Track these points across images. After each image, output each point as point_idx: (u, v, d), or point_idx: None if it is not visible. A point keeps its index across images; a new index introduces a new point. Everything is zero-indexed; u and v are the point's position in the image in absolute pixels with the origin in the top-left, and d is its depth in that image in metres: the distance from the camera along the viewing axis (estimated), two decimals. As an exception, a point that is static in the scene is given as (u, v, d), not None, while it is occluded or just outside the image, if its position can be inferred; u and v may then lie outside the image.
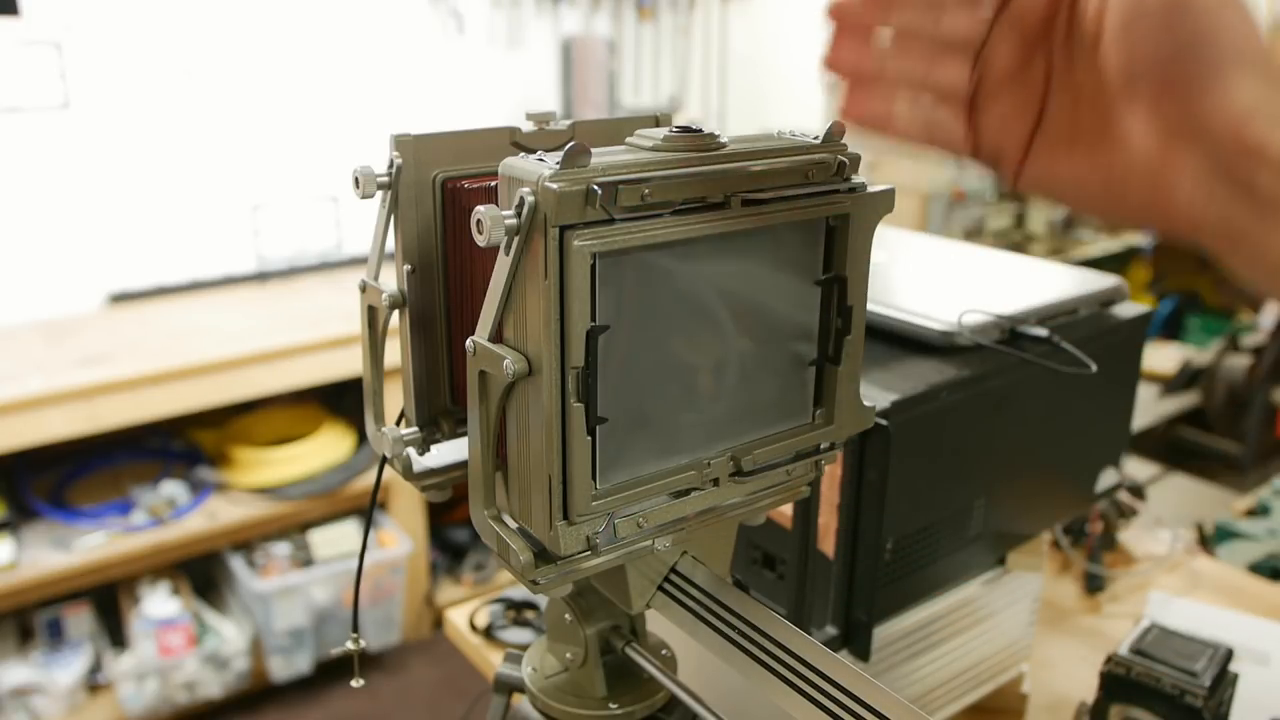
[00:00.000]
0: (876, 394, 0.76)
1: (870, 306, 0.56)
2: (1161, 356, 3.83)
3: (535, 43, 3.21)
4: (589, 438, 0.47)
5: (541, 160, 0.45)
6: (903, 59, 0.46)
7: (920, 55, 0.46)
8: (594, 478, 0.48)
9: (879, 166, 3.35)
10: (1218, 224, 0.39)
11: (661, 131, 0.49)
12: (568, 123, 0.61)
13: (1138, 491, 1.38)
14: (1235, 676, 0.88)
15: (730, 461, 0.53)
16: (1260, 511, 1.68)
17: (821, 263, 0.54)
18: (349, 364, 2.37)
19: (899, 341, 0.85)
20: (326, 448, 2.54)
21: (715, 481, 0.53)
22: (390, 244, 0.59)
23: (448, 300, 0.60)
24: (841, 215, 0.53)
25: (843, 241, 0.53)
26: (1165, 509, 1.43)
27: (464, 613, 1.20)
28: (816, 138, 0.52)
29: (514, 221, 0.44)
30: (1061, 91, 0.44)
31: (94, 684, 2.30)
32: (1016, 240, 3.55)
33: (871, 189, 0.54)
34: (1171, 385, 3.74)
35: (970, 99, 0.46)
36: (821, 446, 0.57)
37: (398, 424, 0.62)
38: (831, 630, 0.82)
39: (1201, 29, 0.38)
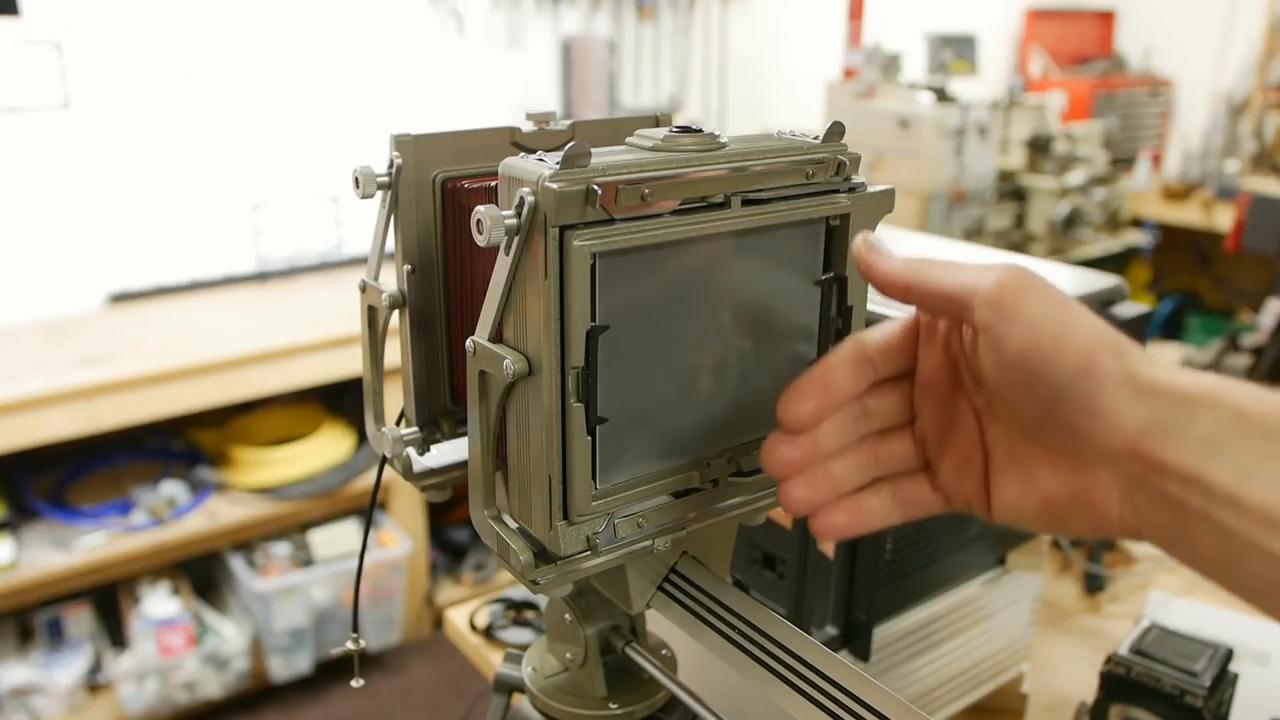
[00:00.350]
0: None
1: (870, 306, 0.56)
2: (1161, 356, 3.83)
3: (535, 43, 3.21)
4: (589, 438, 0.47)
5: (541, 160, 0.45)
6: (847, 455, 0.49)
7: (860, 446, 0.49)
8: (594, 478, 0.48)
9: (879, 166, 3.35)
10: (1153, 530, 0.42)
11: (661, 131, 0.49)
12: (568, 123, 0.61)
13: (1138, 491, 1.38)
14: (1235, 676, 0.88)
15: (730, 461, 0.53)
16: (1260, 511, 1.68)
17: (821, 263, 0.54)
18: (349, 364, 2.37)
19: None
20: (326, 448, 2.54)
21: (715, 481, 0.53)
22: (390, 244, 0.59)
23: (448, 300, 0.60)
24: (841, 215, 0.53)
25: (843, 241, 0.53)
26: (1165, 509, 1.43)
27: (464, 613, 1.20)
28: (816, 138, 0.52)
29: (514, 221, 0.44)
30: (992, 429, 0.47)
31: (94, 684, 2.30)
32: (1016, 240, 3.55)
33: (871, 189, 0.54)
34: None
35: (924, 466, 0.49)
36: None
37: (398, 424, 0.62)
38: (831, 630, 0.82)
39: (1060, 372, 0.41)
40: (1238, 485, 0.38)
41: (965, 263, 0.45)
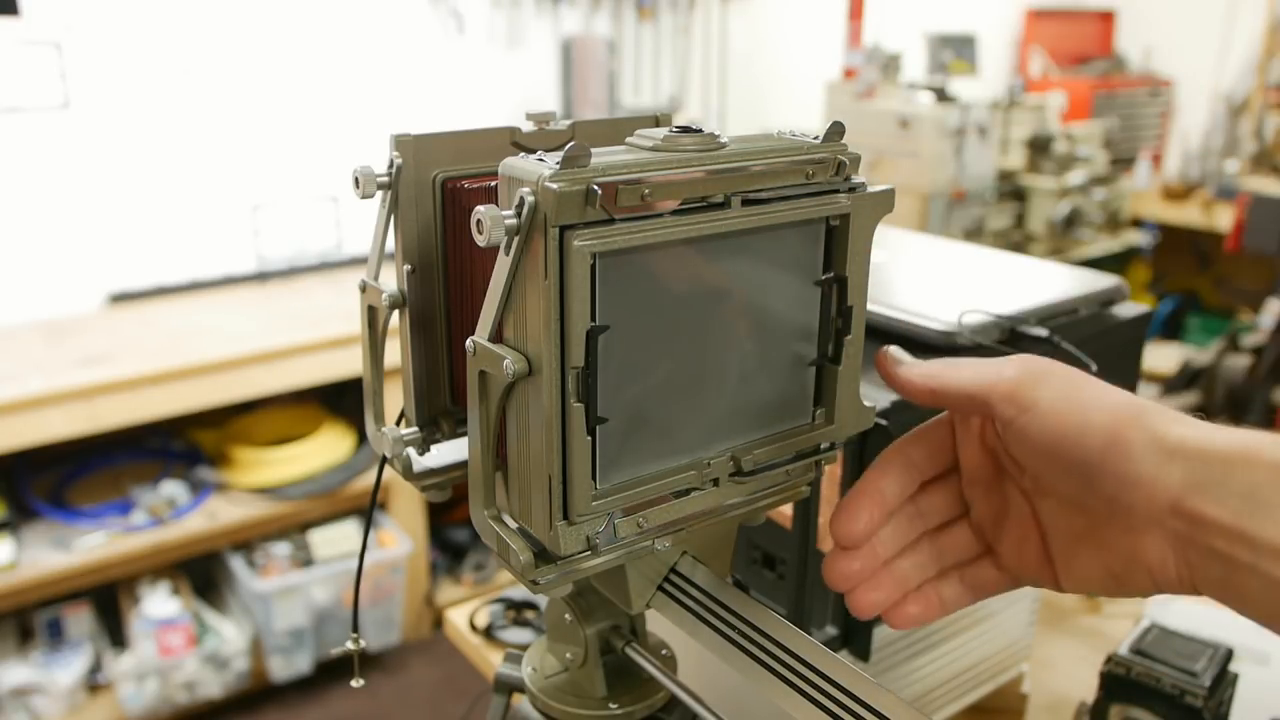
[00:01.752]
0: (876, 394, 0.76)
1: (870, 306, 0.56)
2: (1161, 356, 3.83)
3: (535, 43, 3.21)
4: (589, 438, 0.47)
5: (541, 160, 0.45)
6: (908, 555, 0.50)
7: (920, 544, 0.51)
8: (594, 478, 0.48)
9: (879, 166, 3.35)
10: (1208, 584, 0.42)
11: (661, 131, 0.49)
12: (568, 123, 0.61)
13: (1138, 491, 1.38)
14: (1235, 676, 0.88)
15: (730, 461, 0.53)
16: (1260, 511, 1.68)
17: (821, 263, 0.54)
18: (349, 364, 2.37)
19: (899, 341, 0.85)
20: (326, 448, 2.54)
21: (715, 481, 0.53)
22: (390, 244, 0.59)
23: (448, 300, 0.60)
24: (841, 215, 0.53)
25: (843, 241, 0.53)
26: (1165, 509, 1.43)
27: (464, 613, 1.20)
28: (816, 138, 0.52)
29: (514, 221, 0.44)
30: (1045, 506, 0.48)
31: (94, 684, 2.30)
32: (1016, 240, 3.55)
33: (871, 189, 0.54)
34: (1171, 385, 3.74)
35: (987, 550, 0.51)
36: (822, 446, 0.57)
37: (398, 424, 0.62)
38: (831, 630, 0.82)
39: (1093, 449, 0.42)
40: None
41: (983, 361, 0.47)
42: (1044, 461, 0.44)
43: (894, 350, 0.51)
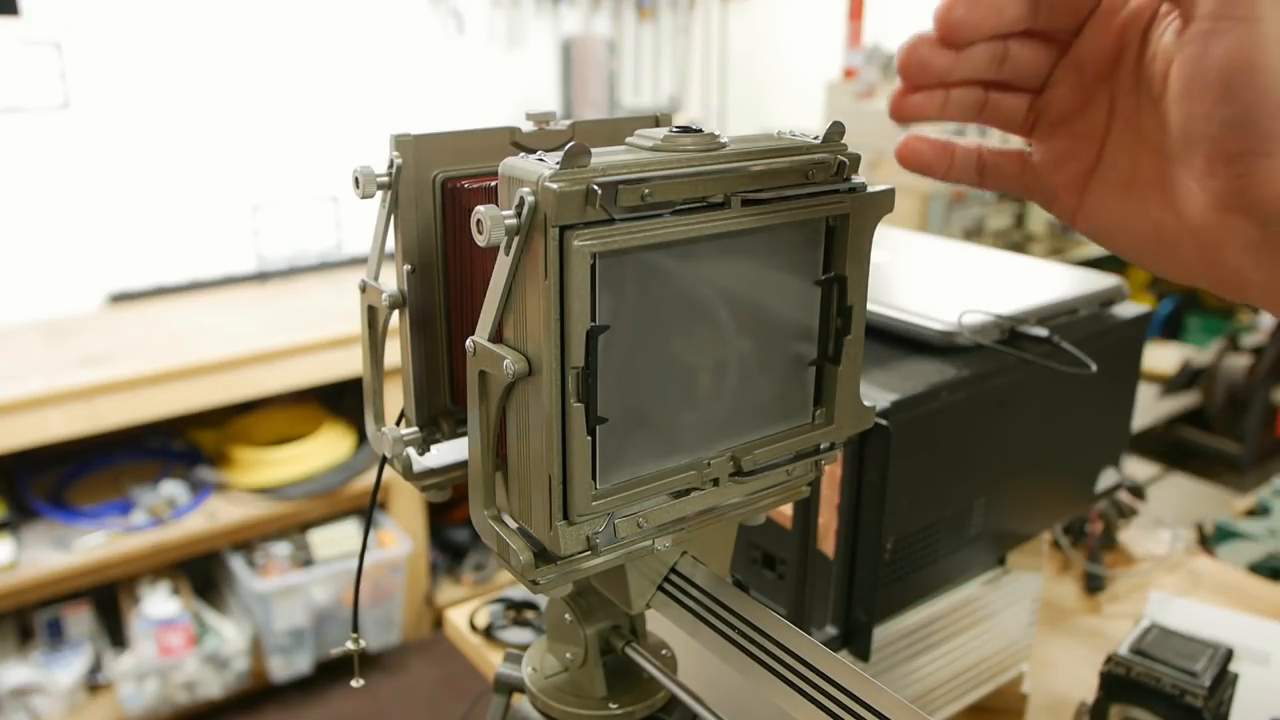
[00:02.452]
0: (876, 394, 0.76)
1: (870, 306, 0.56)
2: (1161, 356, 3.83)
3: (535, 43, 3.21)
4: (589, 438, 0.47)
5: (541, 160, 0.45)
6: (966, 91, 0.45)
7: (977, 89, 0.45)
8: (594, 478, 0.48)
9: (879, 166, 3.35)
10: (1266, 289, 0.39)
11: (661, 131, 0.49)
12: (568, 123, 0.61)
13: (1138, 491, 1.38)
14: (1235, 676, 0.88)
15: (730, 461, 0.53)
16: (1260, 511, 1.68)
17: (821, 263, 0.54)
18: (349, 364, 2.37)
19: (899, 341, 0.85)
20: (326, 448, 2.54)
21: (715, 481, 0.53)
22: (390, 244, 0.59)
23: (448, 300, 0.60)
24: (841, 215, 0.53)
25: (842, 241, 0.53)
26: (1165, 509, 1.43)
27: (464, 613, 1.20)
28: (816, 138, 0.52)
29: (514, 221, 0.44)
30: (1122, 136, 0.43)
31: (94, 684, 2.30)
32: (1016, 240, 3.55)
33: (871, 189, 0.54)
34: (1171, 385, 3.74)
35: (1026, 133, 0.46)
36: (821, 446, 0.57)
37: (398, 424, 0.62)
38: (831, 630, 0.82)
39: (1261, 99, 0.36)
40: None
41: None
42: (1194, 87, 0.37)
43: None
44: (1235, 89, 0.36)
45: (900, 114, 0.45)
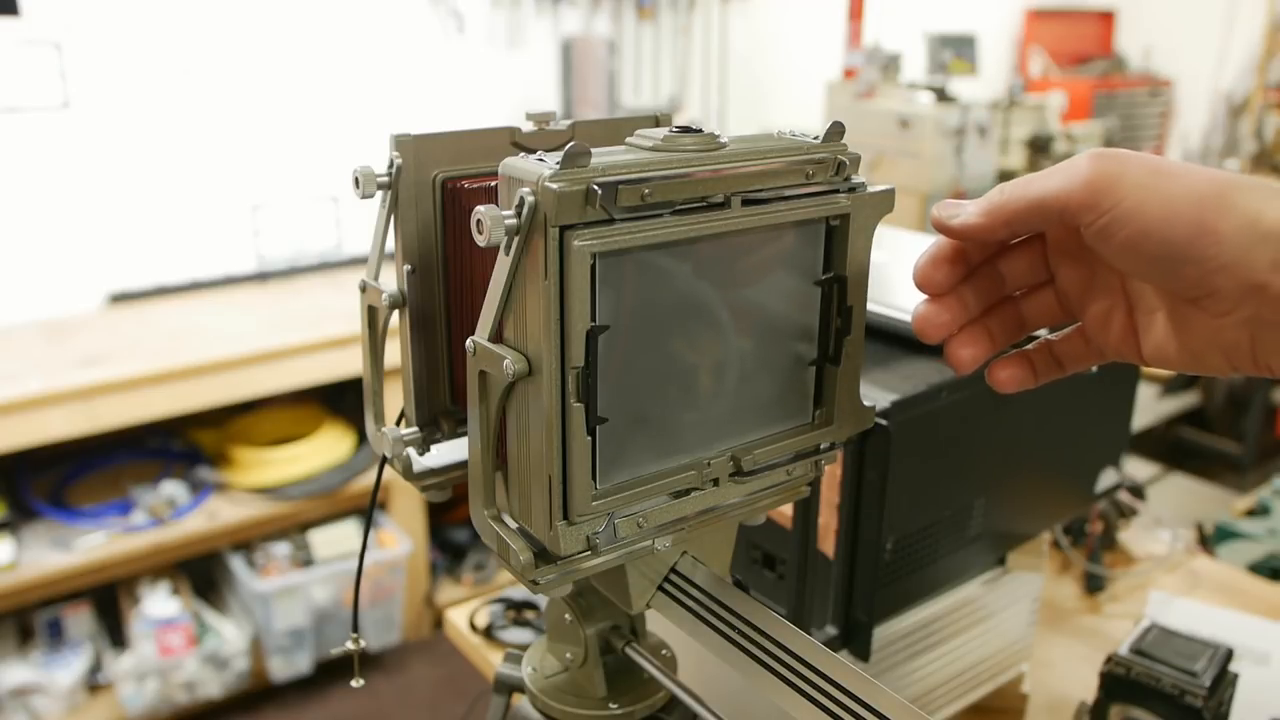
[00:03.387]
0: (876, 394, 0.76)
1: (870, 306, 0.56)
2: None
3: (535, 43, 3.21)
4: (589, 438, 0.47)
5: (541, 160, 0.45)
6: (995, 315, 0.51)
7: (1006, 306, 0.51)
8: (594, 478, 0.48)
9: (879, 166, 3.35)
10: None
11: (661, 131, 0.49)
12: (568, 123, 0.61)
13: (1138, 491, 1.38)
14: (1235, 676, 0.88)
15: (730, 461, 0.53)
16: (1260, 511, 1.68)
17: (822, 263, 0.54)
18: (349, 364, 2.37)
19: (899, 341, 0.85)
20: (326, 448, 2.54)
21: (715, 482, 0.53)
22: (390, 244, 0.59)
23: (448, 300, 0.60)
24: (841, 215, 0.53)
25: (842, 241, 0.53)
26: (1165, 509, 1.43)
27: (464, 613, 1.20)
28: (816, 138, 0.52)
29: (514, 221, 0.44)
30: (1131, 283, 0.48)
31: (94, 684, 2.30)
32: (1016, 240, 3.55)
33: (871, 189, 0.54)
34: (1171, 385, 3.74)
35: (1070, 320, 0.51)
36: (821, 446, 0.57)
37: (398, 424, 0.62)
38: (831, 630, 0.82)
39: (1179, 241, 0.41)
40: None
41: (1050, 172, 0.45)
42: (1129, 255, 0.43)
43: (946, 203, 0.48)
44: (1153, 251, 0.42)
45: (1001, 384, 0.51)
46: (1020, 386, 0.51)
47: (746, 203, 0.49)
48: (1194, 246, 0.41)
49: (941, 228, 0.48)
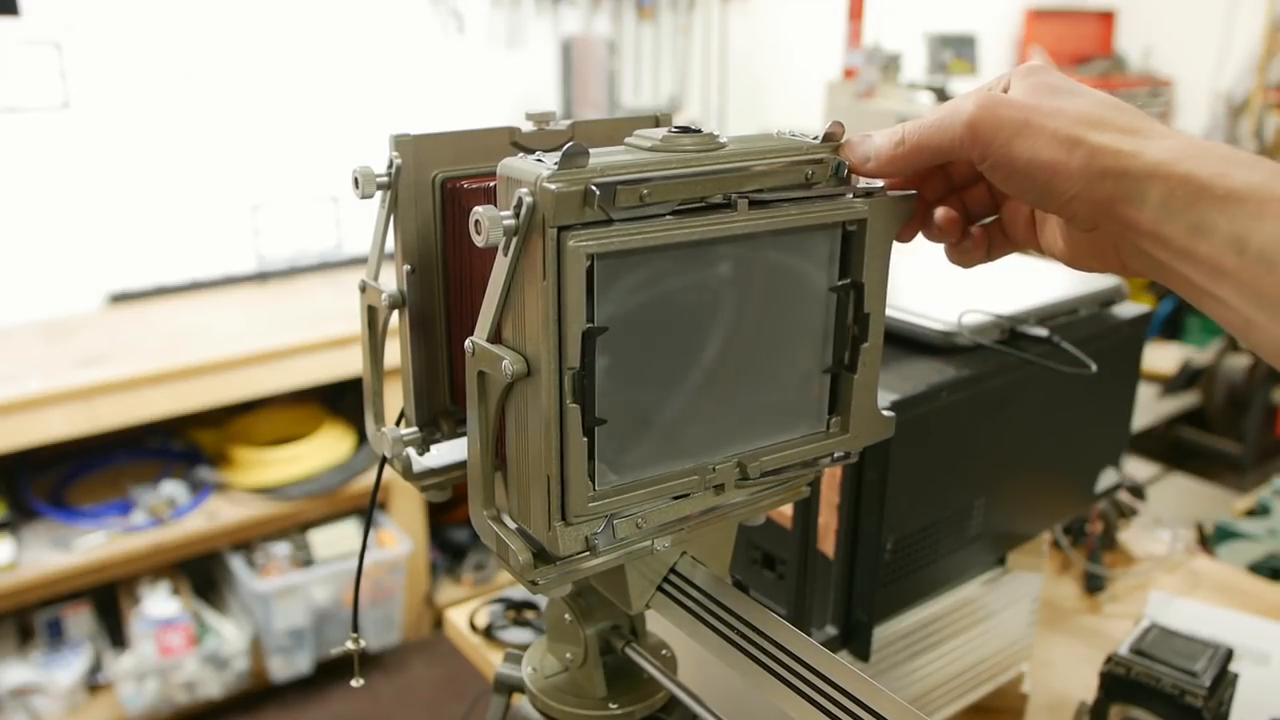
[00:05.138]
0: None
1: (889, 312, 0.56)
2: (1161, 356, 3.83)
3: (535, 43, 3.21)
4: (585, 439, 0.47)
5: (540, 161, 0.45)
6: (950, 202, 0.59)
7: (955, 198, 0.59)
8: (591, 479, 0.48)
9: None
10: (1144, 272, 0.51)
11: (661, 131, 0.49)
12: (567, 123, 0.61)
13: (1138, 491, 1.38)
14: (1235, 676, 0.88)
15: (737, 468, 0.53)
16: (1260, 511, 1.68)
17: (837, 268, 0.53)
18: (349, 364, 2.37)
19: (899, 341, 0.85)
20: (326, 448, 2.54)
21: (719, 488, 0.53)
22: (390, 244, 0.59)
23: (447, 300, 0.60)
24: (859, 220, 0.52)
25: (860, 247, 0.53)
26: (1165, 509, 1.43)
27: (464, 613, 1.20)
28: (816, 138, 0.52)
29: (512, 222, 0.44)
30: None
31: (94, 684, 2.30)
32: (1016, 240, 3.55)
33: (891, 193, 0.53)
34: (1171, 385, 3.74)
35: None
36: (836, 455, 0.57)
37: (398, 424, 0.62)
38: (831, 630, 0.82)
39: (1040, 181, 0.48)
40: (1190, 241, 0.45)
41: (940, 115, 0.51)
42: (1008, 186, 0.50)
43: (855, 144, 0.53)
44: (1022, 185, 0.49)
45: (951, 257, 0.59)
46: (974, 262, 0.59)
47: (754, 205, 0.49)
48: (1051, 182, 0.48)
49: (858, 170, 0.53)
